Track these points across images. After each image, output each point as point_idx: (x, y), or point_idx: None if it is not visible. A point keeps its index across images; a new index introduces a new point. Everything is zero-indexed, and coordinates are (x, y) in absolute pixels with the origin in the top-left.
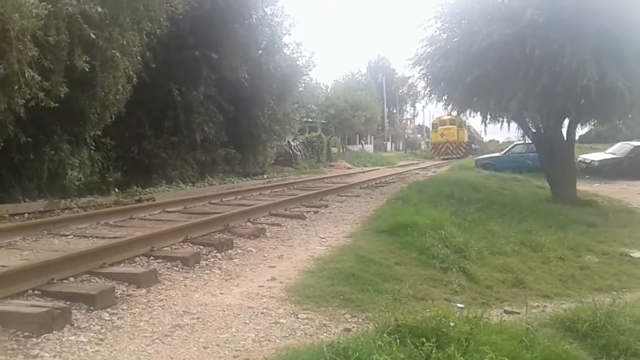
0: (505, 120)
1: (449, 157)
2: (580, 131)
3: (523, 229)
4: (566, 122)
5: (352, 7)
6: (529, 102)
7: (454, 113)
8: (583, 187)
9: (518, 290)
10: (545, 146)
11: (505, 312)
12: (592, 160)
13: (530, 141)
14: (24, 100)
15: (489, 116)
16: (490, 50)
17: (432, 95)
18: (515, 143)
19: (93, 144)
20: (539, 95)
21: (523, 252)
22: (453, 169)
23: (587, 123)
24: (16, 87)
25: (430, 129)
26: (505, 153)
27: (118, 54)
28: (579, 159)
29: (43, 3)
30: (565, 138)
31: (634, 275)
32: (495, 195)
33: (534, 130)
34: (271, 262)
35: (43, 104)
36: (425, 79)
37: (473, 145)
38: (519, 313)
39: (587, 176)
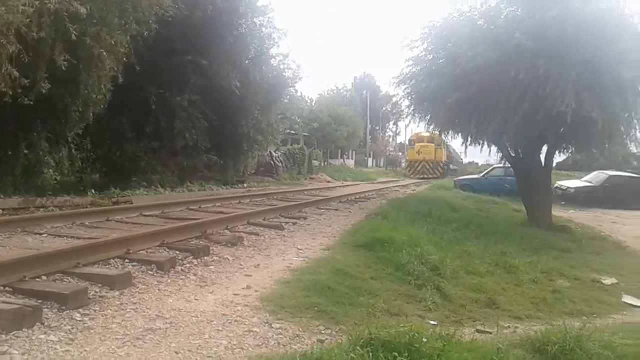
0: (485, 143)
1: (425, 176)
2: (558, 158)
3: (498, 251)
4: (544, 148)
5: (340, 24)
6: (508, 126)
7: (437, 132)
8: (558, 212)
9: (490, 310)
10: (523, 171)
11: (477, 331)
12: (568, 187)
13: (508, 165)
14: None
15: (469, 138)
16: (474, 73)
17: (416, 114)
18: (494, 166)
19: (73, 143)
20: (519, 120)
21: (497, 273)
22: (432, 188)
23: (565, 150)
24: None
25: (407, 145)
26: (484, 175)
27: (105, 53)
28: (556, 185)
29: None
30: (543, 164)
31: (604, 301)
32: (472, 216)
33: (512, 155)
34: (247, 271)
35: (18, 100)
36: (410, 97)
37: (451, 166)
38: (490, 333)
39: (563, 202)
